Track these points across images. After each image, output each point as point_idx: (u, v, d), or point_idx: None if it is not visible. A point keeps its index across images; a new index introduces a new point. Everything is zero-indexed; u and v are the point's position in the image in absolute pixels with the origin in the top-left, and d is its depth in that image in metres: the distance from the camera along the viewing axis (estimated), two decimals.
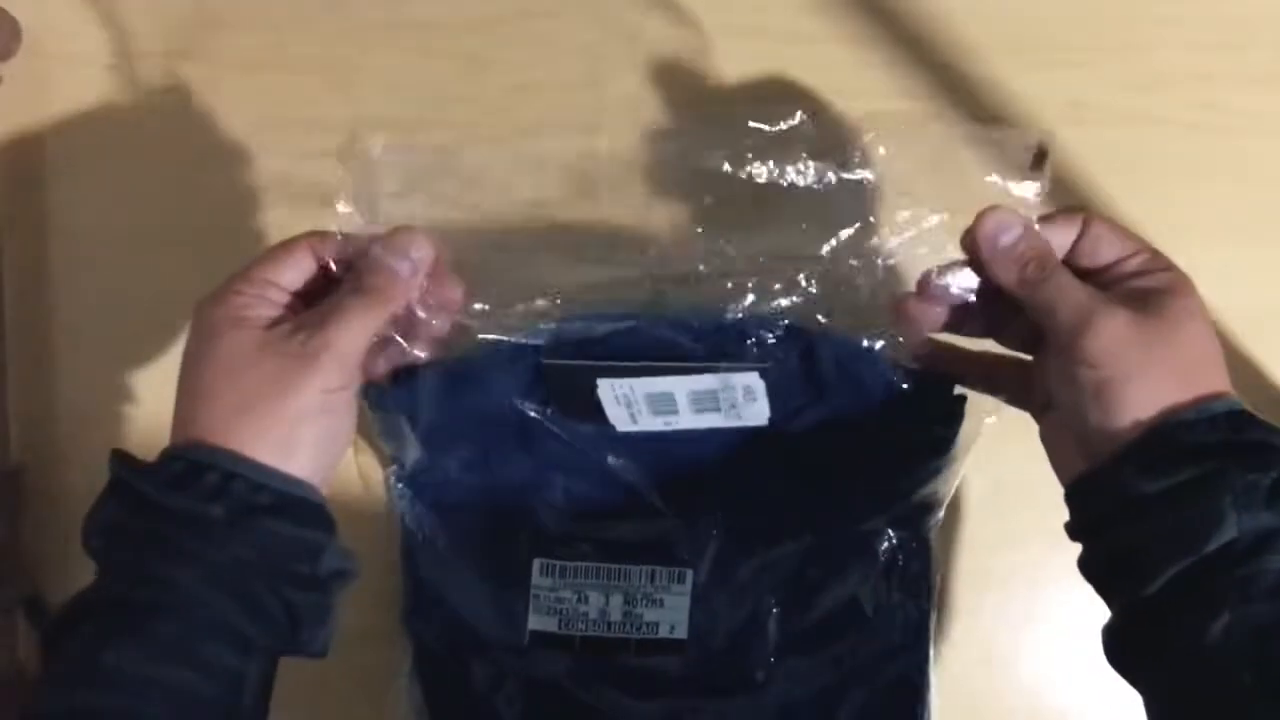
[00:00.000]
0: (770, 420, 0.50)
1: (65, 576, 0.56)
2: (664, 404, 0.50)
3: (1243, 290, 0.57)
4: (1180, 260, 0.57)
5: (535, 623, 0.53)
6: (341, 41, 0.57)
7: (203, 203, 0.57)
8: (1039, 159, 0.45)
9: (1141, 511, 0.38)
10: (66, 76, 0.57)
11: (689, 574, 0.53)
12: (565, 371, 0.49)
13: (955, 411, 0.49)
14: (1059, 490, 0.56)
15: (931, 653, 0.54)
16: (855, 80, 0.57)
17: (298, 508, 0.40)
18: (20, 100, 0.57)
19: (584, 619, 0.53)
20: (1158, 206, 0.57)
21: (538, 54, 0.57)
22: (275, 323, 0.42)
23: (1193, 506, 0.37)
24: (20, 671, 0.54)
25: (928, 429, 0.50)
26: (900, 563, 0.53)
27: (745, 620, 0.53)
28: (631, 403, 0.50)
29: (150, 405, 0.56)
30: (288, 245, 0.44)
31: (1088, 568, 0.41)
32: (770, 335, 0.47)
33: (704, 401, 0.50)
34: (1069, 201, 0.56)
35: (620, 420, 0.51)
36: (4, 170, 0.57)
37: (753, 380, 0.48)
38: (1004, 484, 0.56)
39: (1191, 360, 0.40)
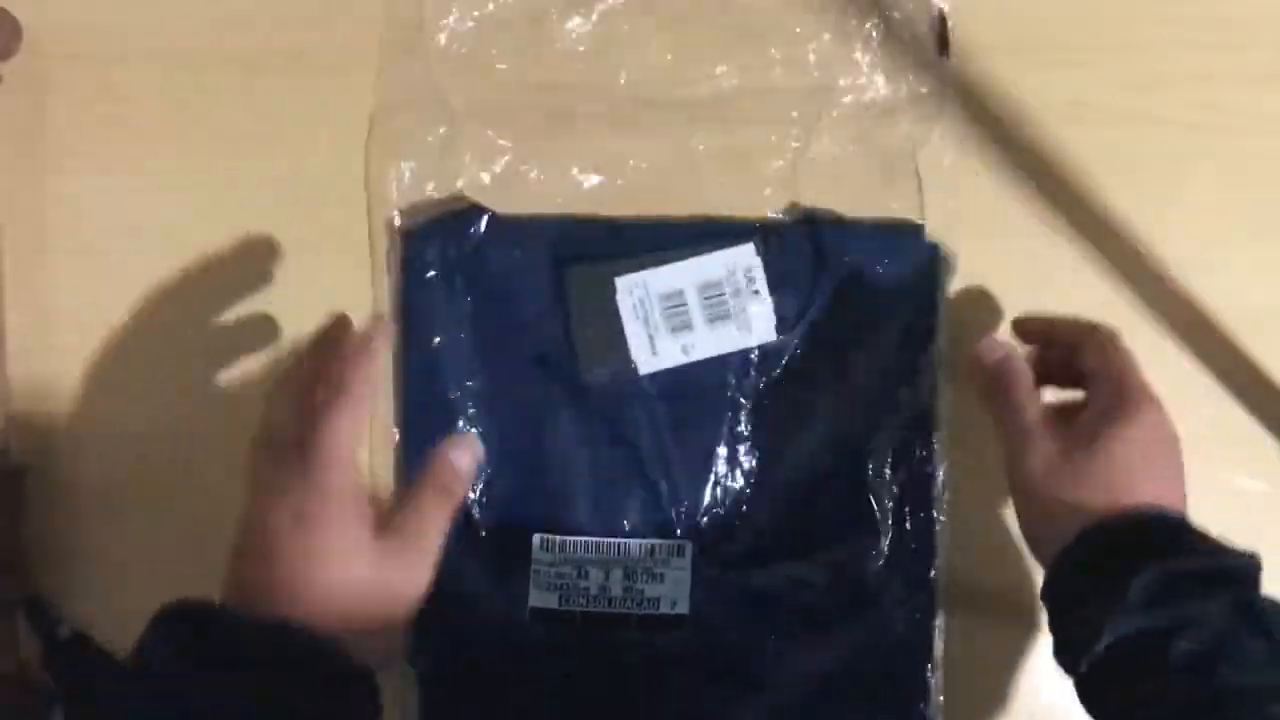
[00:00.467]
0: (777, 330, 0.54)
1: (65, 577, 0.56)
2: (677, 310, 0.53)
3: (1243, 290, 0.57)
4: (1180, 260, 0.57)
5: (536, 599, 0.54)
6: (342, 41, 0.57)
7: (203, 203, 0.57)
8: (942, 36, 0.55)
9: (1054, 612, 0.46)
10: (66, 76, 0.57)
11: (688, 547, 0.54)
12: (586, 278, 0.53)
13: (932, 255, 0.54)
14: None
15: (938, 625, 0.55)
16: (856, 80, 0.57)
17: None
18: (20, 100, 0.57)
19: (585, 594, 0.53)
20: (1158, 206, 0.57)
21: None
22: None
23: (1076, 619, 0.44)
24: (21, 671, 0.54)
25: (911, 282, 0.54)
26: (907, 526, 0.54)
27: (748, 599, 0.53)
28: (648, 313, 0.52)
29: (150, 405, 0.56)
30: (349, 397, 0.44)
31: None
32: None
33: (713, 302, 0.53)
34: (1068, 197, 0.57)
35: (640, 348, 0.53)
36: (4, 170, 0.57)
37: (751, 259, 0.53)
38: (1004, 484, 0.56)
39: (1116, 482, 0.45)
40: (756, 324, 0.54)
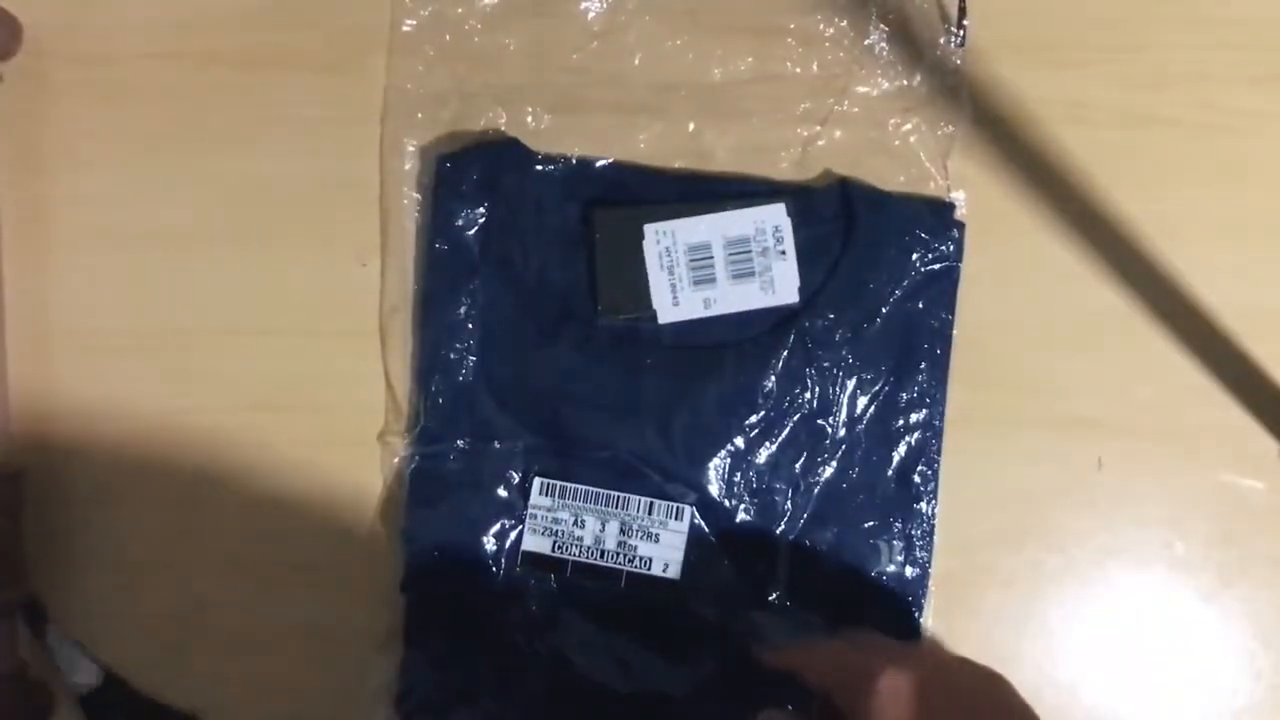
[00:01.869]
0: (799, 293, 0.54)
1: (65, 577, 0.56)
2: (703, 263, 0.53)
3: (1243, 290, 0.57)
4: (1181, 260, 0.57)
5: (529, 543, 0.54)
6: (342, 40, 0.57)
7: (203, 202, 0.57)
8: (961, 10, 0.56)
9: None
10: (66, 76, 0.57)
11: (688, 511, 0.54)
12: (614, 221, 0.54)
13: (948, 220, 0.55)
14: (1058, 491, 0.57)
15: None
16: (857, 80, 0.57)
17: None
18: (20, 100, 0.57)
19: (578, 544, 0.54)
20: (1158, 206, 0.57)
21: None
22: None
23: None
24: (21, 671, 0.54)
25: (935, 259, 0.55)
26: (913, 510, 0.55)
27: (742, 571, 0.54)
28: (674, 262, 0.52)
29: (150, 406, 0.56)
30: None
31: None
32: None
33: (739, 259, 0.53)
34: (1074, 201, 0.57)
35: (662, 296, 0.53)
36: (4, 170, 0.57)
37: (779, 216, 0.53)
38: (1003, 484, 0.56)
39: None
40: (780, 284, 0.54)
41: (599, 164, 0.56)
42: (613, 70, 0.57)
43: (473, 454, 0.54)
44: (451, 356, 0.54)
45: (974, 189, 0.56)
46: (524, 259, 0.55)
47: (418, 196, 0.56)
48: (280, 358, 0.56)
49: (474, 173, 0.55)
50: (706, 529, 0.54)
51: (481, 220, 0.55)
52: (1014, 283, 0.57)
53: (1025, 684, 0.56)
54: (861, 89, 0.57)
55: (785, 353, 0.54)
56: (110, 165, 0.57)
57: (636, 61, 0.57)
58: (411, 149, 0.56)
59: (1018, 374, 0.56)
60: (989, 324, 0.56)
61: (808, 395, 0.54)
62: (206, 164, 0.57)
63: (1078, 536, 0.56)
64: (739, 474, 0.54)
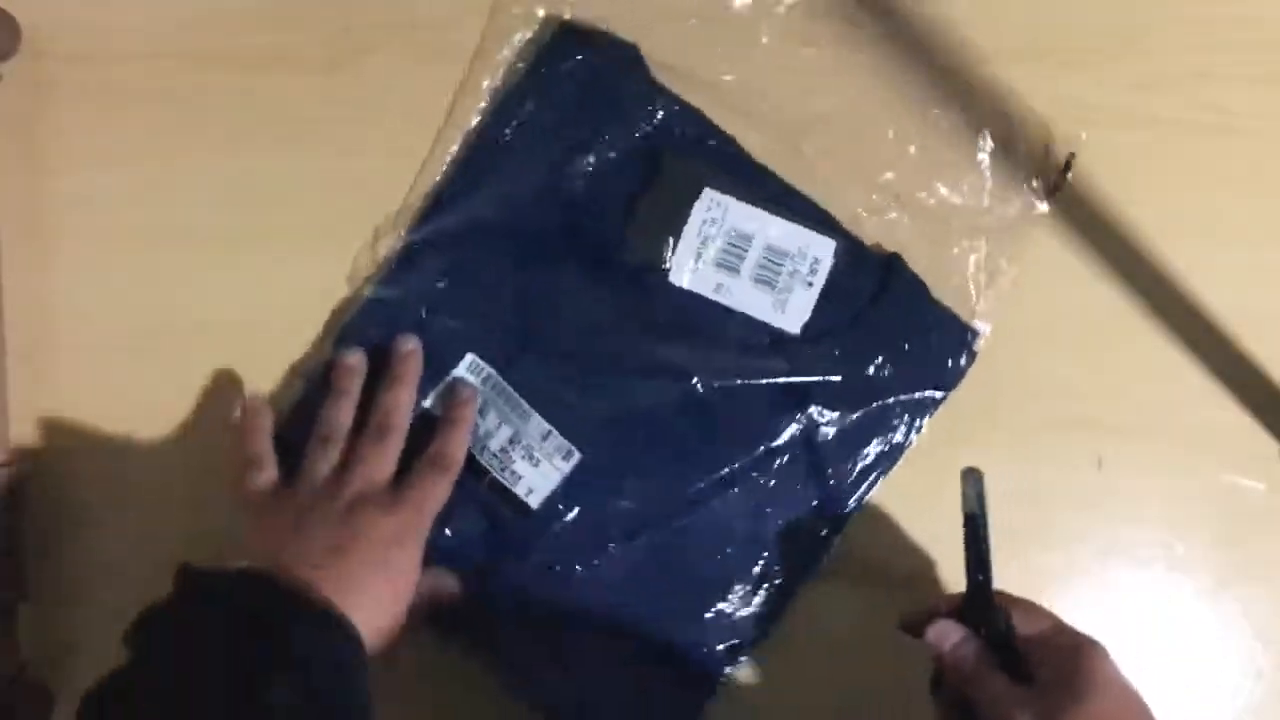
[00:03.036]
0: (803, 330, 0.55)
1: (65, 577, 0.56)
2: (736, 251, 0.54)
3: (1243, 290, 0.57)
4: (1180, 260, 0.57)
5: (429, 402, 0.54)
6: (342, 40, 0.57)
7: (203, 202, 0.57)
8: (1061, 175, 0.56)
9: None
10: (66, 76, 0.57)
11: (576, 456, 0.54)
12: (681, 167, 0.54)
13: (968, 344, 0.55)
14: (1058, 491, 0.57)
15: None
16: (858, 80, 0.57)
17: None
18: (20, 100, 0.57)
19: (473, 430, 0.54)
20: (1158, 207, 0.57)
21: None
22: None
23: None
24: (21, 671, 0.54)
25: (938, 368, 0.55)
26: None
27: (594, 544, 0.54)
28: (712, 234, 0.53)
29: (150, 405, 0.56)
30: None
31: None
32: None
33: (770, 267, 0.54)
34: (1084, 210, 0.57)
35: (683, 258, 0.54)
36: (4, 170, 0.57)
37: (825, 251, 0.55)
38: (1003, 485, 0.56)
39: None
40: (792, 310, 0.55)
41: (693, 117, 0.55)
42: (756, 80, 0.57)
43: (429, 323, 0.55)
44: (454, 229, 0.55)
45: (974, 188, 0.57)
46: (577, 163, 0.55)
47: (510, 57, 0.56)
48: (280, 358, 0.56)
49: (584, 53, 0.55)
50: (589, 483, 0.54)
51: (565, 103, 0.55)
52: (1014, 282, 0.57)
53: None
54: (945, 190, 0.56)
55: (762, 374, 0.55)
56: (110, 165, 0.57)
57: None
58: (526, 12, 0.56)
59: (1018, 374, 0.56)
60: (989, 324, 0.56)
61: (761, 433, 0.55)
62: (206, 164, 0.57)
63: (1078, 536, 0.56)
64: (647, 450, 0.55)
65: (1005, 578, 0.56)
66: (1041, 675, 0.45)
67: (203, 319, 0.56)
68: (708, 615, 0.55)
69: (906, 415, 0.55)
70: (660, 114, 0.55)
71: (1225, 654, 0.56)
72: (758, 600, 0.55)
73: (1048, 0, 0.58)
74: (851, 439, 0.55)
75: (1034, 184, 0.56)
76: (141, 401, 0.56)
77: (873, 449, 0.55)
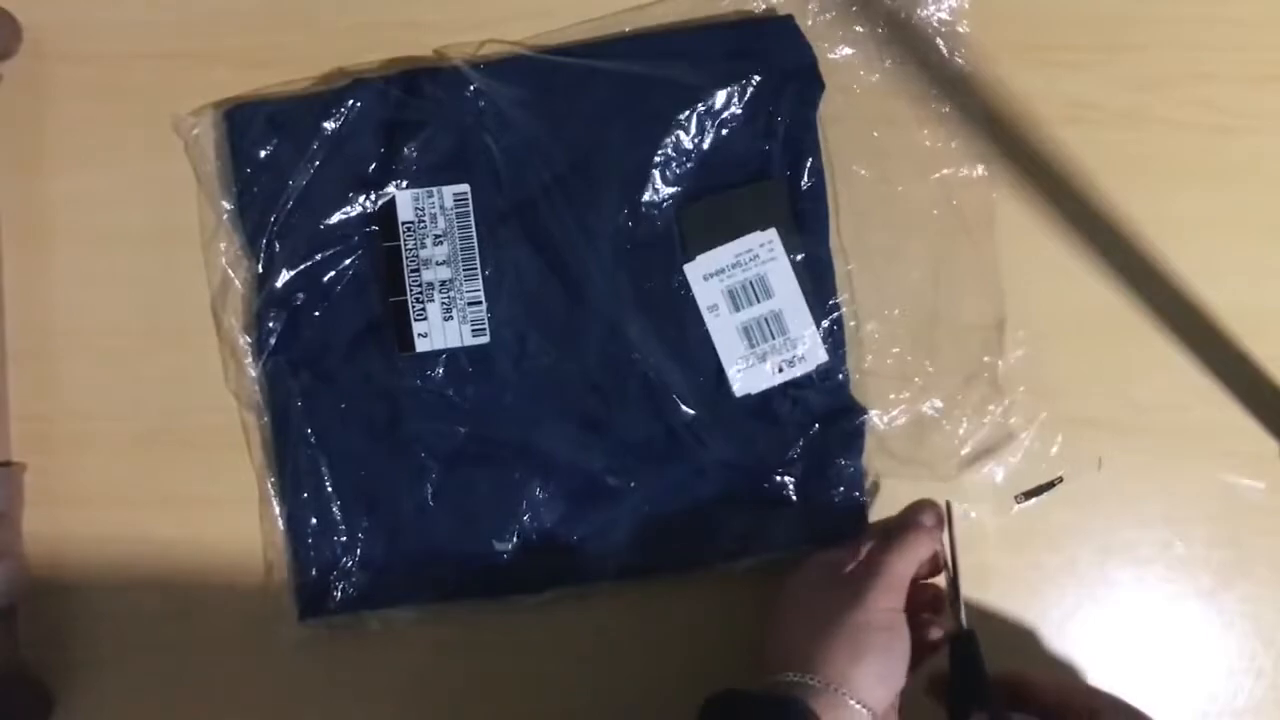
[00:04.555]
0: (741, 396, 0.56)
1: (64, 576, 0.56)
2: (749, 295, 0.55)
3: (1243, 290, 0.57)
4: (1180, 260, 0.57)
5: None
6: (342, 41, 0.57)
7: (203, 203, 0.57)
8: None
9: None
10: (66, 76, 0.57)
11: (485, 340, 0.55)
12: (774, 192, 0.55)
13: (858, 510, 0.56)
14: (1057, 491, 0.56)
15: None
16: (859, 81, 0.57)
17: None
18: (20, 100, 0.57)
19: (417, 252, 0.55)
20: (1158, 206, 0.57)
21: None
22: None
23: None
24: (21, 670, 0.54)
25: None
26: None
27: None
28: (744, 262, 0.55)
29: (150, 405, 0.56)
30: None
31: None
32: None
33: (762, 329, 0.55)
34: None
35: (707, 263, 0.55)
36: (4, 170, 0.57)
37: (814, 357, 0.55)
38: (1003, 486, 0.56)
39: None
40: (747, 377, 0.55)
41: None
42: None
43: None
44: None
45: (972, 187, 0.57)
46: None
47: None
48: None
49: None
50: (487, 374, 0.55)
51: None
52: (1014, 283, 0.57)
53: None
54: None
55: None
56: (110, 165, 0.57)
57: None
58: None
59: (1019, 374, 0.56)
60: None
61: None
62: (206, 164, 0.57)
63: (1078, 536, 0.56)
64: None
65: (1006, 576, 0.56)
66: None
67: (202, 319, 0.56)
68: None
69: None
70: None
71: (1225, 654, 0.56)
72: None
73: (1048, 0, 0.58)
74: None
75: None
76: (142, 401, 0.56)
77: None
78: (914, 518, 0.51)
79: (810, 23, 0.56)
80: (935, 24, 0.57)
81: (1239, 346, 0.57)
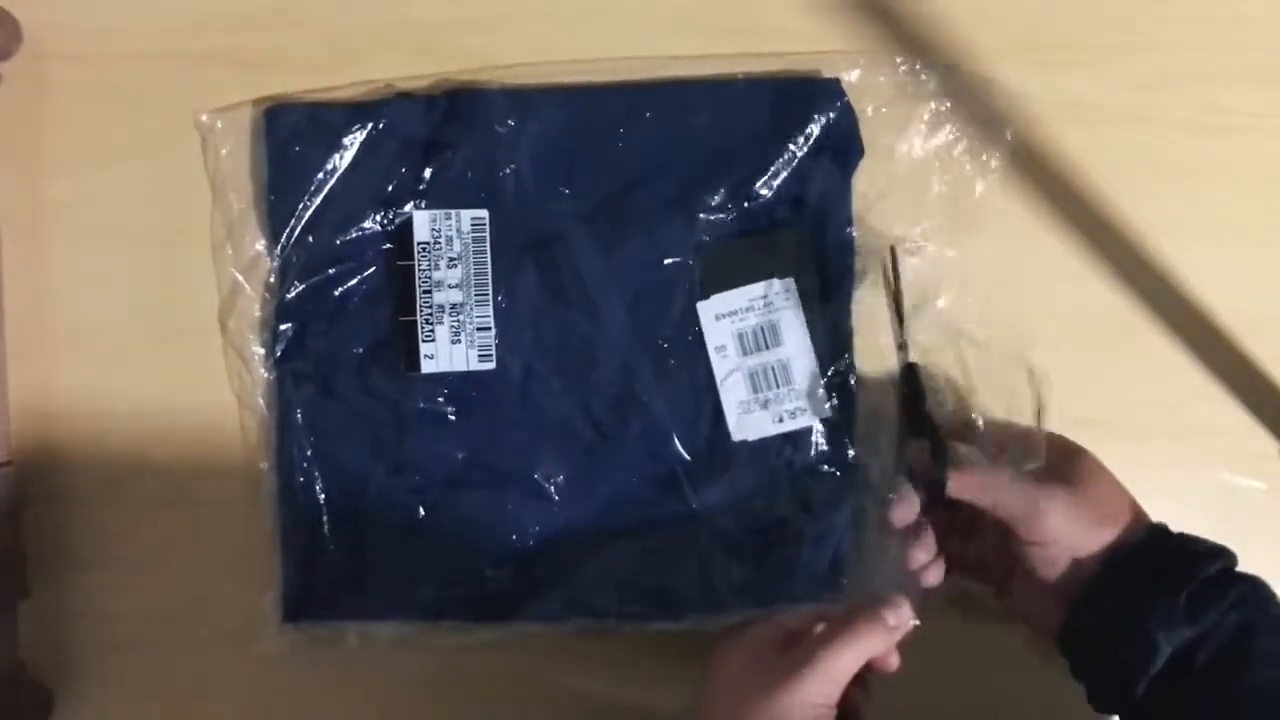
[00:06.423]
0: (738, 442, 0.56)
1: (64, 576, 0.56)
2: (758, 340, 0.56)
3: (1243, 290, 0.57)
4: (1180, 260, 0.57)
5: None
6: (342, 41, 0.57)
7: (203, 203, 0.57)
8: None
9: (1097, 648, 0.50)
10: (66, 76, 0.57)
11: (491, 367, 0.55)
12: (794, 244, 0.56)
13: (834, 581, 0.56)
14: None
15: None
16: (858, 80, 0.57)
17: None
18: (20, 100, 0.57)
19: (430, 274, 0.55)
20: (1158, 206, 0.57)
21: None
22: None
23: (1127, 639, 0.48)
24: (20, 670, 0.54)
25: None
26: None
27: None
28: (757, 307, 0.55)
29: (149, 405, 0.56)
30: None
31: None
32: None
33: (768, 377, 0.56)
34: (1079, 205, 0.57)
35: (720, 304, 0.56)
36: (4, 170, 0.57)
37: (814, 411, 0.56)
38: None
39: (1111, 506, 0.51)
40: (746, 424, 0.56)
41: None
42: None
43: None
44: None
45: (969, 186, 0.57)
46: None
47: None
48: None
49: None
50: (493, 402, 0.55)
51: None
52: (1014, 282, 0.57)
53: (1026, 682, 0.56)
54: None
55: None
56: (110, 165, 0.57)
57: None
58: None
59: (1018, 374, 0.56)
60: (990, 324, 0.56)
61: None
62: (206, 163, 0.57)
63: None
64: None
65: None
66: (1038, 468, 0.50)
67: (202, 319, 0.56)
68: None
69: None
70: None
71: None
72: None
73: (1048, 0, 0.58)
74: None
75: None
76: (142, 401, 0.56)
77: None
78: (878, 611, 0.47)
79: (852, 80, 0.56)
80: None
81: (1239, 347, 0.57)
